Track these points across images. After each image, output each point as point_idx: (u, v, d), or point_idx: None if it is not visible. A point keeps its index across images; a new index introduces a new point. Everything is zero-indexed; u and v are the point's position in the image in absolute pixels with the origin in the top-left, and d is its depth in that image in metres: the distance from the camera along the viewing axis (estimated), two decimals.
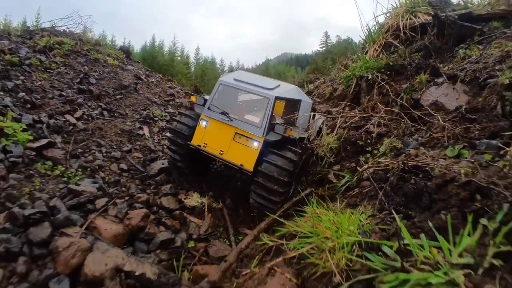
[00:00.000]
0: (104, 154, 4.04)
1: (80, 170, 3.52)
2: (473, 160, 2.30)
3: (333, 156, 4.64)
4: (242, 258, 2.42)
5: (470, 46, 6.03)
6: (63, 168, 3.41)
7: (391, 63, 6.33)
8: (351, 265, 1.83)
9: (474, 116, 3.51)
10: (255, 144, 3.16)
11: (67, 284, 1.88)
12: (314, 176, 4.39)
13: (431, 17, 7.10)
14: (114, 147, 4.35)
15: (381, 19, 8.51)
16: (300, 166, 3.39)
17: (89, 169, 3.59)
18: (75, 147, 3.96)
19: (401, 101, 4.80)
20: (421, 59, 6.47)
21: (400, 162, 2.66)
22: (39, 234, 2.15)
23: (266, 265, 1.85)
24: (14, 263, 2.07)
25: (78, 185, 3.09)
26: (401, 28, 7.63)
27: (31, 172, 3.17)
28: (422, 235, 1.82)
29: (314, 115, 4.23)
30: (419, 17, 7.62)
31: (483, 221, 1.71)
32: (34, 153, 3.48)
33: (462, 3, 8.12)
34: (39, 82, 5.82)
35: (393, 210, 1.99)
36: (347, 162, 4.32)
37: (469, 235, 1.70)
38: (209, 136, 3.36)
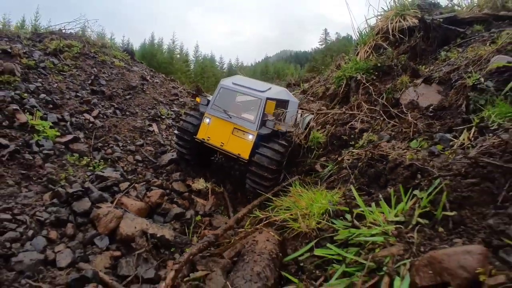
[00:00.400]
0: (121, 148, 4.66)
1: (102, 160, 4.14)
2: (419, 149, 2.89)
3: (321, 149, 5.25)
4: (238, 228, 3.04)
5: (451, 49, 6.44)
6: (88, 159, 4.03)
7: (379, 64, 6.70)
8: (320, 227, 2.44)
9: (436, 114, 4.08)
10: (250, 137, 3.77)
11: (107, 240, 2.51)
12: (304, 167, 4.99)
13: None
14: (129, 141, 4.97)
15: (373, 22, 8.94)
16: (287, 157, 3.99)
17: (109, 160, 4.21)
18: (95, 141, 4.57)
19: (382, 100, 5.36)
20: (406, 60, 6.95)
21: (368, 152, 3.25)
22: (81, 207, 2.77)
23: (256, 227, 2.46)
24: (63, 228, 2.70)
25: (103, 172, 3.71)
26: (390, 31, 7.99)
27: (63, 162, 3.79)
28: (373, 204, 2.42)
29: (301, 113, 4.82)
30: (407, 20, 7.98)
31: (416, 192, 2.31)
32: (63, 146, 4.09)
33: (450, 6, 8.48)
34: (56, 84, 6.37)
35: (352, 187, 2.59)
36: (333, 154, 4.91)
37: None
38: (212, 131, 3.96)
